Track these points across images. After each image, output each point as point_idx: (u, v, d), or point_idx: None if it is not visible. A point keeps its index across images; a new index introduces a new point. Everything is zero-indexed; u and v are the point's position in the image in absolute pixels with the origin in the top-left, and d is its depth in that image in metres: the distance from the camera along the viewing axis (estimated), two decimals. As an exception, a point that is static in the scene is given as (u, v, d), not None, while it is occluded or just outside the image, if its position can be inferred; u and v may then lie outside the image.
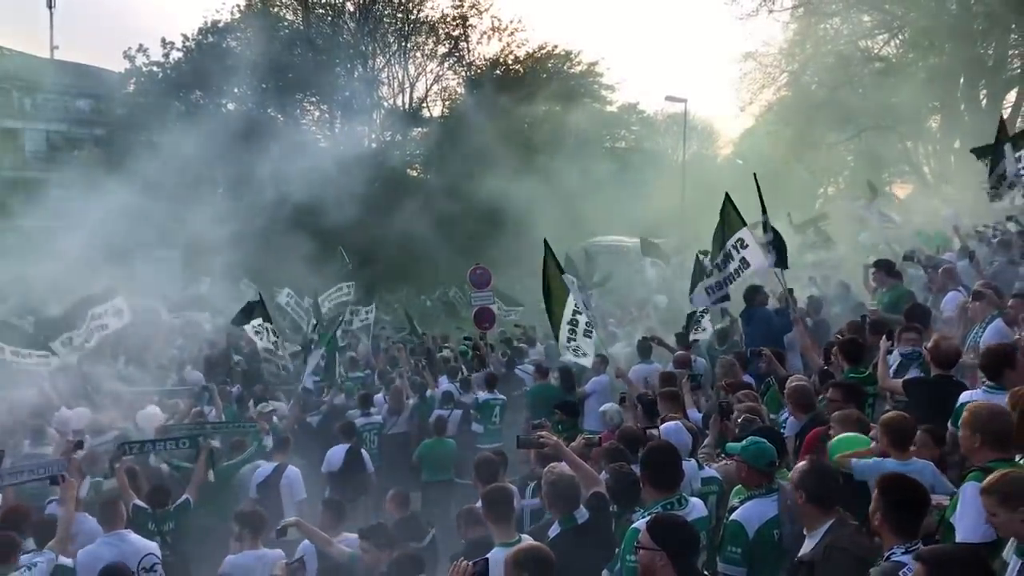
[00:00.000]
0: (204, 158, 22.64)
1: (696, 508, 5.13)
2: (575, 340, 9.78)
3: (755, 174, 10.82)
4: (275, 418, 11.91)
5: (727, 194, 10.68)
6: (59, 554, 6.42)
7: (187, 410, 12.43)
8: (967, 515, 4.23)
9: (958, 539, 4.21)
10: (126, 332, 16.05)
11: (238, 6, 36.46)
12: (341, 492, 9.73)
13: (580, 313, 9.69)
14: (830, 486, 4.67)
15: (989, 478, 4.00)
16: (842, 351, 8.08)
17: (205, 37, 36.17)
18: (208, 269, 24.26)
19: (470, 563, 4.39)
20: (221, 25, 36.37)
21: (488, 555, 5.19)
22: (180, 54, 35.14)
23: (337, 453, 10.96)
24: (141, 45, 34.71)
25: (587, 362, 10.49)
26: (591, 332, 9.86)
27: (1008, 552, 3.88)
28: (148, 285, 20.51)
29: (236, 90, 33.27)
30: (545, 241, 10.03)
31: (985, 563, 3.35)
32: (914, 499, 4.12)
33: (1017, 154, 12.91)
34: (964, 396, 5.82)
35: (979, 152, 14.10)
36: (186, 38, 35.91)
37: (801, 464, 4.82)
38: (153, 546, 7.01)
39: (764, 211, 10.46)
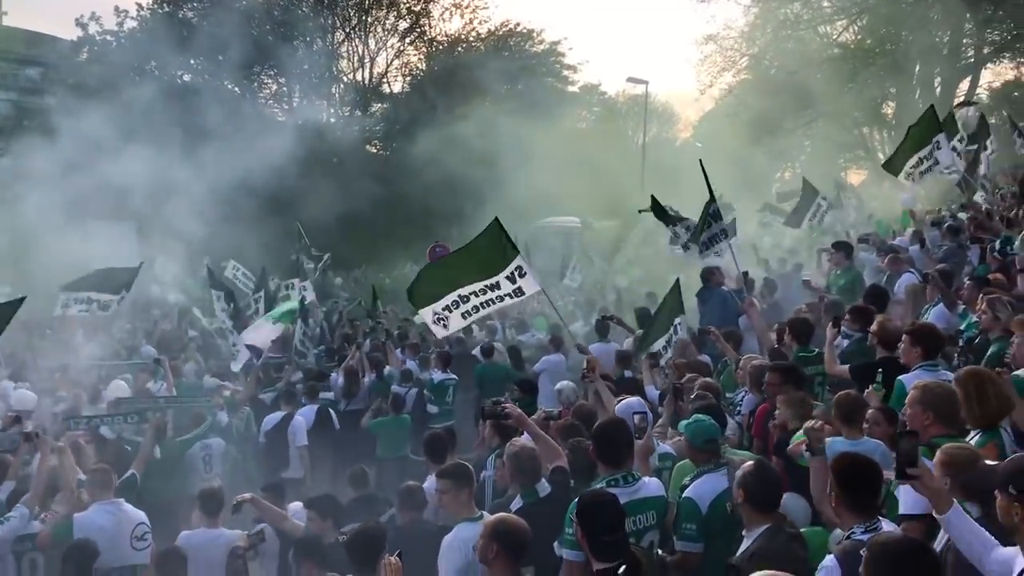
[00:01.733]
0: (158, 130, 22.24)
1: (646, 487, 5.12)
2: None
3: (700, 160, 10.99)
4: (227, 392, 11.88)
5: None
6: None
7: (140, 385, 12.29)
8: (910, 489, 4.31)
9: (900, 511, 4.29)
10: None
11: (194, -26, 35.71)
12: (270, 460, 10.70)
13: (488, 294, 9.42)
14: (770, 490, 4.63)
15: (952, 445, 4.17)
16: (792, 331, 8.20)
17: (160, 6, 35.43)
18: (161, 243, 23.94)
19: (397, 558, 4.43)
20: (178, -5, 35.68)
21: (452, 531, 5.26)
22: (135, 23, 34.42)
23: (307, 413, 11.19)
24: (94, 13, 33.98)
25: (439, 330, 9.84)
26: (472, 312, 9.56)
27: (940, 535, 3.97)
28: (102, 257, 20.16)
29: (192, 61, 32.67)
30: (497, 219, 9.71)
31: (929, 554, 3.37)
32: (867, 477, 4.15)
33: (952, 144, 13.24)
34: (905, 377, 5.92)
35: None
36: (140, 7, 35.22)
37: (747, 464, 4.84)
38: (143, 516, 7.00)
39: (712, 198, 10.59)
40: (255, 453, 11.13)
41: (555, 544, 4.90)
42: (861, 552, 3.44)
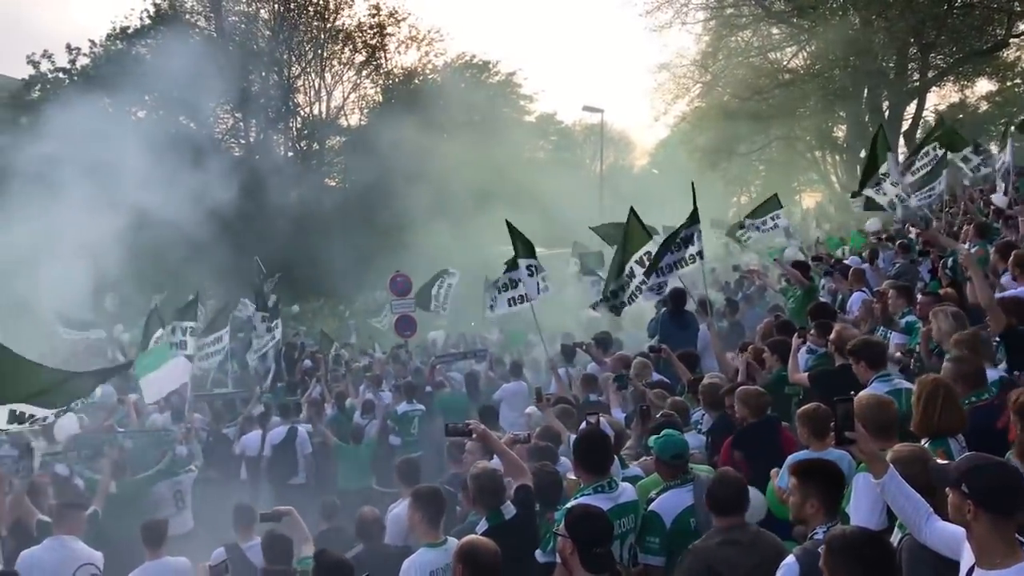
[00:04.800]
0: (114, 167, 22.01)
1: (626, 492, 5.27)
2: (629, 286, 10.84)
3: (692, 183, 11.11)
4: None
5: (632, 208, 11.03)
6: None
7: (99, 424, 12.07)
8: (861, 506, 4.36)
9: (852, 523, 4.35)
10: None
11: (147, 11, 35.51)
12: (278, 470, 11.73)
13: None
14: (721, 493, 4.79)
15: (902, 444, 4.27)
16: (774, 352, 8.29)
17: (114, 43, 35.15)
18: (117, 282, 23.68)
19: None
20: (130, 31, 35.39)
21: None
22: (87, 60, 34.06)
23: (279, 434, 11.98)
24: (46, 51, 33.55)
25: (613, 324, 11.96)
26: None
27: (895, 533, 4.04)
28: (53, 298, 19.91)
29: (147, 98, 32.39)
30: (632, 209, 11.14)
31: (884, 544, 3.48)
32: (836, 481, 4.31)
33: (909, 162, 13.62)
34: (861, 394, 5.99)
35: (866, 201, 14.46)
36: (94, 44, 34.87)
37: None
38: (95, 556, 6.87)
39: (696, 219, 10.65)
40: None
41: (536, 553, 5.00)
42: (819, 549, 3.53)
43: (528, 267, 11.53)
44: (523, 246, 11.65)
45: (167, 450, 9.97)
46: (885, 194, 12.70)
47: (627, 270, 10.78)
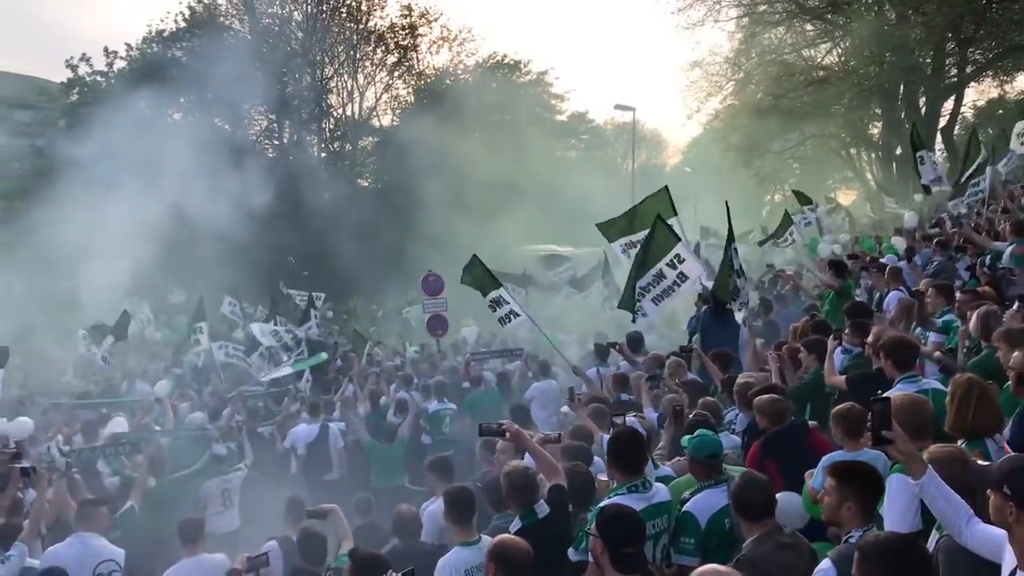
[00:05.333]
0: (151, 169, 22.28)
1: (660, 492, 5.28)
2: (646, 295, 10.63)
3: (727, 203, 11.11)
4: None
5: (659, 215, 10.99)
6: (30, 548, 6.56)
7: (138, 422, 12.26)
8: (894, 507, 4.28)
9: (886, 530, 4.26)
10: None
11: (182, 14, 35.88)
12: (312, 466, 11.83)
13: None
14: (754, 498, 4.70)
15: (939, 445, 4.18)
16: (811, 351, 8.23)
17: (149, 46, 35.52)
18: (152, 282, 24.11)
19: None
20: (166, 35, 35.76)
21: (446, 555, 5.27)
22: (124, 63, 34.48)
23: (311, 431, 12.07)
24: (84, 54, 33.98)
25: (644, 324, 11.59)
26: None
27: (933, 534, 3.96)
28: (93, 299, 20.27)
29: (182, 100, 32.72)
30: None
31: (918, 550, 3.40)
32: (874, 483, 4.24)
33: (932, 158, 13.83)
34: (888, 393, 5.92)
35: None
36: (130, 47, 35.28)
37: (736, 477, 4.96)
38: (117, 553, 6.93)
39: (732, 239, 10.68)
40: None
41: (569, 551, 4.99)
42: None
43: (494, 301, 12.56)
44: (489, 282, 12.61)
45: (205, 449, 10.09)
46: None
47: (655, 270, 10.75)
